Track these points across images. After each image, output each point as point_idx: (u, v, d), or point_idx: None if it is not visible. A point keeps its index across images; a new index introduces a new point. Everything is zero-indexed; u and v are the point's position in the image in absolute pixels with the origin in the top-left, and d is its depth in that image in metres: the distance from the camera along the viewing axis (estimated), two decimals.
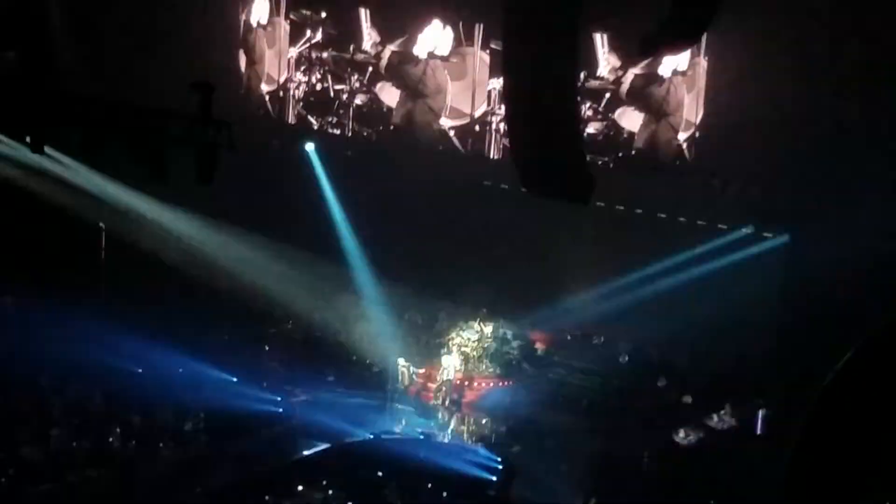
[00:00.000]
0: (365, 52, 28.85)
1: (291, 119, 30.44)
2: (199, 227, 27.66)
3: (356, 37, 29.03)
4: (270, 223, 27.68)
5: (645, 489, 22.41)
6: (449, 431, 25.75)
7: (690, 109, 25.56)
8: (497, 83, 26.73)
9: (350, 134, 29.75)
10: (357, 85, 29.37)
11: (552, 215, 25.20)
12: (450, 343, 27.49)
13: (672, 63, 25.34)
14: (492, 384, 27.23)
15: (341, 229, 29.29)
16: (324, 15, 29.51)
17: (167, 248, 27.16)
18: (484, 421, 25.89)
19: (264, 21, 30.07)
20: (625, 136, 26.33)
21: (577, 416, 25.79)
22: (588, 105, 26.10)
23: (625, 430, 24.62)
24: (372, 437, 24.79)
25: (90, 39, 28.39)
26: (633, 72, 25.80)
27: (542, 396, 26.52)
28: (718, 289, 25.76)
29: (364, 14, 28.69)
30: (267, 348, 28.01)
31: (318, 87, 29.99)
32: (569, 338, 28.20)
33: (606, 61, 25.83)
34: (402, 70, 28.51)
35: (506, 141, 26.03)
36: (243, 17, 30.30)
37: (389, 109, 29.03)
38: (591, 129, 26.30)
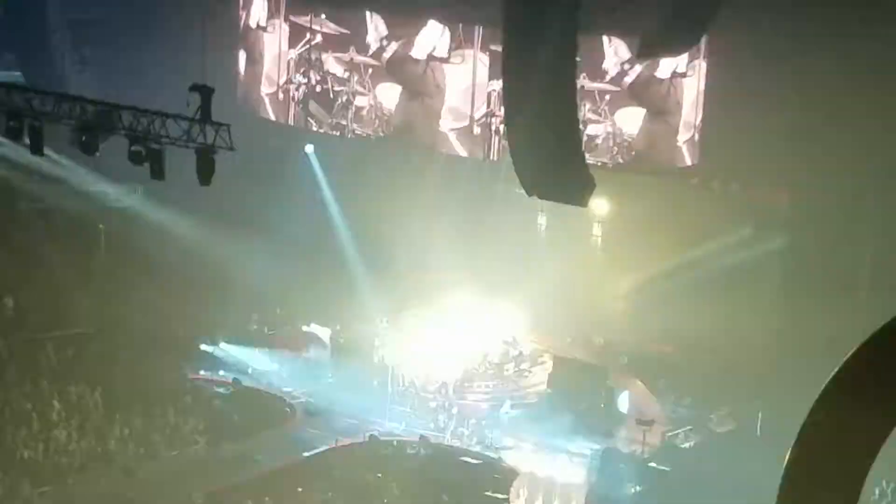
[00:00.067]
0: (368, 48, 28.80)
1: (291, 120, 30.44)
2: (197, 228, 27.66)
3: (357, 37, 29.05)
4: (269, 224, 27.69)
5: (645, 489, 22.42)
6: (448, 433, 25.73)
7: (690, 111, 25.59)
8: (497, 85, 26.74)
9: (350, 135, 29.76)
10: (357, 87, 29.39)
11: (553, 216, 25.31)
12: (449, 344, 27.44)
13: (671, 65, 25.39)
14: (491, 385, 27.21)
15: (340, 230, 29.30)
16: (323, 16, 29.54)
17: (166, 248, 27.16)
18: (483, 422, 25.87)
19: (263, 23, 30.08)
20: (624, 137, 26.37)
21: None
22: (588, 107, 26.13)
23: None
24: (371, 438, 24.78)
25: (90, 40, 28.44)
26: (633, 73, 25.84)
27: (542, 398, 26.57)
28: (718, 289, 25.81)
29: (369, 15, 28.70)
30: (267, 349, 27.97)
31: (318, 88, 30.00)
32: (569, 340, 28.19)
33: (609, 62, 25.88)
34: (402, 71, 28.54)
35: (505, 143, 26.03)
36: (243, 19, 30.32)
37: (389, 111, 29.05)
38: (591, 130, 26.34)
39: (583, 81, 25.41)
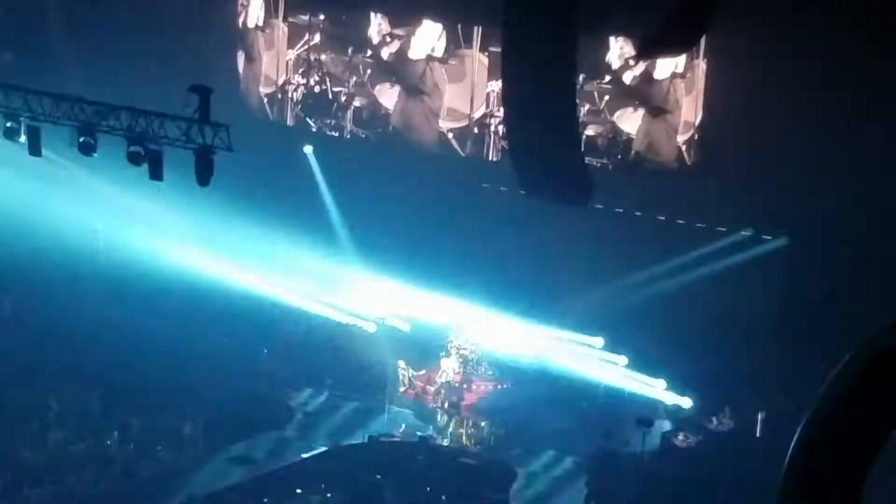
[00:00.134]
0: (366, 48, 28.76)
1: (290, 121, 30.42)
2: (196, 229, 27.61)
3: (356, 38, 29.02)
4: (268, 225, 27.64)
5: (645, 490, 22.40)
6: (448, 434, 25.72)
7: (689, 111, 25.56)
8: (496, 85, 26.71)
9: (348, 136, 29.73)
10: (355, 87, 29.36)
11: (553, 217, 25.23)
12: (448, 346, 27.45)
13: (671, 65, 25.35)
14: (490, 387, 27.19)
15: (339, 231, 29.28)
16: (322, 16, 29.51)
17: (164, 250, 27.12)
18: (483, 423, 25.87)
19: (262, 23, 30.04)
20: (624, 138, 26.34)
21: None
22: (587, 107, 26.10)
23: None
24: (370, 439, 24.78)
25: (88, 40, 28.39)
26: (632, 73, 25.81)
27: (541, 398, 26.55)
28: (718, 291, 25.78)
29: (367, 15, 28.66)
30: (266, 351, 27.95)
31: (317, 89, 29.97)
32: (568, 340, 28.15)
33: (609, 62, 25.84)
34: (401, 71, 28.51)
35: (505, 143, 26.00)
36: (241, 19, 30.27)
37: (388, 111, 29.03)
38: (590, 131, 26.31)
39: (582, 81, 25.38)
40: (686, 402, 25.33)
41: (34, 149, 17.67)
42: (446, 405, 26.30)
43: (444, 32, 27.72)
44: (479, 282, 27.03)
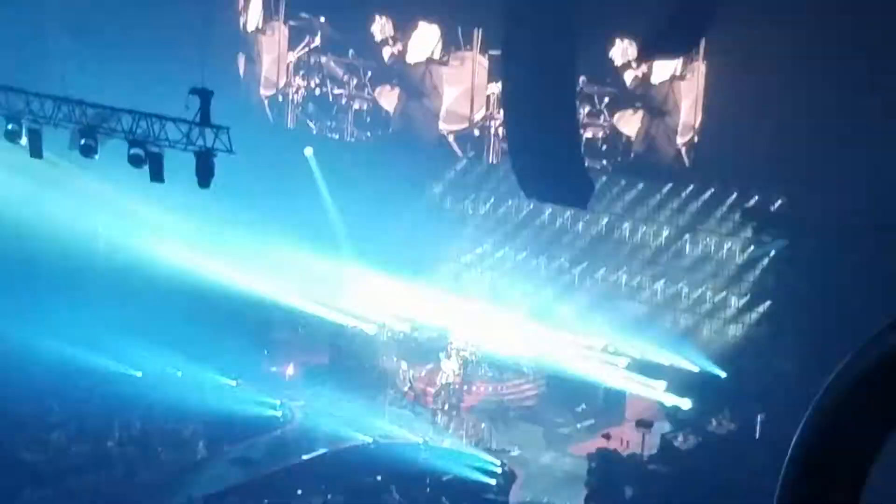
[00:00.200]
0: (367, 50, 28.76)
1: (290, 123, 30.44)
2: (197, 230, 27.63)
3: (356, 40, 29.03)
4: (269, 226, 27.68)
5: (644, 490, 22.42)
6: (448, 435, 25.73)
7: (689, 113, 25.59)
8: (496, 88, 26.73)
9: (349, 138, 29.75)
10: (356, 90, 29.39)
11: (553, 217, 25.30)
12: (448, 347, 27.46)
13: (670, 67, 25.39)
14: (491, 388, 27.21)
15: (339, 232, 29.30)
16: (322, 19, 29.54)
17: (166, 252, 27.15)
18: (483, 425, 25.88)
19: (262, 25, 30.07)
20: (623, 140, 26.36)
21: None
22: (587, 109, 26.13)
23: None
24: (371, 441, 24.78)
25: (89, 43, 28.41)
26: (632, 75, 25.83)
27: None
28: (718, 290, 25.79)
29: (368, 18, 28.68)
30: (266, 352, 27.97)
31: (317, 91, 30.00)
32: (569, 341, 28.17)
33: (609, 65, 25.87)
34: (401, 74, 28.53)
35: (504, 145, 26.04)
36: (242, 22, 30.31)
37: (388, 114, 29.05)
38: (590, 133, 26.34)
39: (582, 84, 25.42)
40: (686, 404, 25.34)
41: (35, 151, 17.70)
42: (446, 406, 26.31)
43: (442, 35, 27.74)
44: (479, 281, 27.08)
